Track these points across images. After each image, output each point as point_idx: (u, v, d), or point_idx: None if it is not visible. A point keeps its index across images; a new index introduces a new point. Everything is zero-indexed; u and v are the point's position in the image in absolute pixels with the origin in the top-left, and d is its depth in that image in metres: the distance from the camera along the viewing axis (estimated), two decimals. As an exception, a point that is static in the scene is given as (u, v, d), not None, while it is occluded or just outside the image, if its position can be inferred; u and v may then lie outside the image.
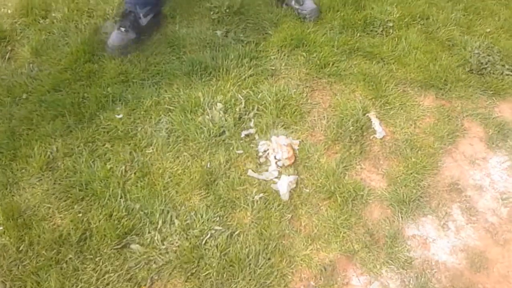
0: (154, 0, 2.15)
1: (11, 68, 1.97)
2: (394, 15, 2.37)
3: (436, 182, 1.76)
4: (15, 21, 2.17)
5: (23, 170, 1.64)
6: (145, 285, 1.44)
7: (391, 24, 2.34)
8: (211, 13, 2.32)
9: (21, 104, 1.84)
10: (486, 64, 2.16)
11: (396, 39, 2.27)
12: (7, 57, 2.02)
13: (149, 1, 2.11)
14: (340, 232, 1.59)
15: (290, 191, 1.67)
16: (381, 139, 1.87)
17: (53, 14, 2.21)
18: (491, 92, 2.10)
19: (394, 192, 1.71)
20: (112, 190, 1.60)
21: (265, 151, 1.78)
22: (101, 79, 1.94)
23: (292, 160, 1.75)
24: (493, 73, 2.16)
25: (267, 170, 1.73)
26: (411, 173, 1.76)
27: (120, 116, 1.83)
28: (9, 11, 2.21)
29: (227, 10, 2.32)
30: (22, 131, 1.75)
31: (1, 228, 1.48)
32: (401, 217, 1.65)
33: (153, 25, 2.15)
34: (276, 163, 1.74)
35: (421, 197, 1.71)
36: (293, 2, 2.34)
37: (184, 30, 2.21)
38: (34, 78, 1.93)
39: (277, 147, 1.77)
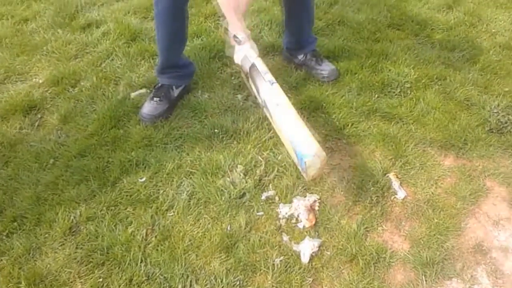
0: (188, 79, 2.30)
1: (39, 135, 2.05)
2: (411, 77, 2.42)
3: (460, 244, 1.72)
4: (45, 90, 2.28)
5: (47, 235, 1.67)
6: None
7: (408, 85, 2.37)
8: (232, 78, 2.40)
9: (47, 169, 1.90)
10: (506, 123, 2.15)
11: (414, 99, 2.30)
12: (36, 124, 2.11)
13: (183, 80, 2.26)
14: (363, 297, 1.55)
15: (311, 254, 1.65)
16: (402, 200, 1.86)
17: (82, 83, 2.32)
18: (513, 151, 2.08)
19: (417, 254, 1.67)
20: (133, 255, 1.61)
21: (286, 213, 1.78)
22: (126, 144, 2.01)
23: (313, 222, 1.75)
24: (514, 132, 2.15)
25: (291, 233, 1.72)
26: (434, 235, 1.73)
27: (143, 179, 1.87)
28: (40, 81, 2.34)
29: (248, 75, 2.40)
30: (47, 196, 1.80)
31: (23, 294, 1.50)
32: (425, 280, 1.60)
33: (183, 94, 2.27)
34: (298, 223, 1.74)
35: (445, 259, 1.66)
36: (313, 63, 2.41)
37: (206, 95, 2.29)
38: (62, 144, 2.00)
39: (299, 208, 1.77)
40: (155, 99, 2.14)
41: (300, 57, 2.45)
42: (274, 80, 1.80)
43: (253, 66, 1.85)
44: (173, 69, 2.19)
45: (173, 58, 2.18)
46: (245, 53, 1.87)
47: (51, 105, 2.20)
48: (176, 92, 2.21)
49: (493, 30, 2.91)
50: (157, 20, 2.05)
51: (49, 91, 2.28)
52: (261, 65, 1.83)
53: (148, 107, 2.13)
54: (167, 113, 2.14)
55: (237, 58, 1.91)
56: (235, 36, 1.85)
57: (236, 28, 1.84)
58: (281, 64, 2.52)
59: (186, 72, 2.27)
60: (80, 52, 2.55)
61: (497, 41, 2.80)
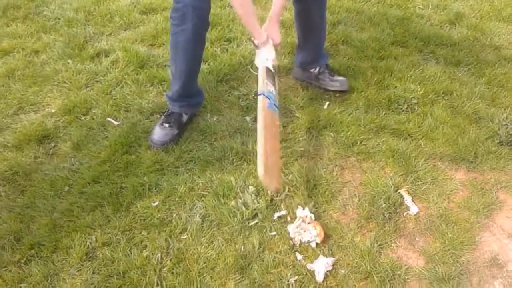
0: (198, 106, 2.33)
1: (54, 163, 2.08)
2: (418, 92, 2.44)
3: (476, 258, 1.71)
4: (58, 119, 2.32)
5: (64, 261, 1.69)
6: None
7: (415, 101, 2.39)
8: (240, 100, 2.43)
9: (62, 196, 1.93)
10: (516, 135, 2.16)
11: (422, 115, 2.32)
12: (50, 153, 2.14)
13: (194, 108, 2.30)
14: (380, 314, 1.55)
15: (325, 272, 1.65)
16: (415, 215, 1.86)
17: (94, 111, 2.36)
18: (524, 163, 2.08)
19: (432, 269, 1.67)
20: (149, 278, 1.62)
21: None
22: (138, 169, 2.03)
23: (322, 236, 1.74)
24: (524, 144, 2.15)
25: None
26: (449, 250, 1.72)
27: (156, 203, 1.89)
28: (53, 111, 2.38)
29: (255, 97, 2.43)
30: (63, 223, 1.82)
31: (41, 320, 1.51)
32: (442, 296, 1.60)
33: (192, 117, 2.30)
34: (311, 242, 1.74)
35: (461, 274, 1.65)
36: (326, 74, 2.46)
37: (215, 118, 2.32)
38: (75, 171, 2.03)
39: (301, 222, 1.77)
40: (165, 124, 2.17)
41: (313, 70, 2.48)
42: (264, 91, 1.96)
43: (264, 68, 2.07)
44: (186, 98, 2.22)
45: (190, 85, 2.21)
46: (260, 57, 2.09)
47: (64, 134, 2.24)
48: (185, 117, 2.24)
49: (497, 44, 2.93)
50: (178, 48, 2.07)
51: (61, 120, 2.32)
52: (265, 73, 2.04)
53: (158, 134, 2.15)
54: (177, 138, 2.17)
55: (256, 60, 2.14)
56: (252, 41, 2.10)
57: (254, 33, 2.06)
58: (287, 84, 2.55)
59: (197, 100, 2.31)
60: (90, 81, 2.60)
61: (502, 54, 2.82)
